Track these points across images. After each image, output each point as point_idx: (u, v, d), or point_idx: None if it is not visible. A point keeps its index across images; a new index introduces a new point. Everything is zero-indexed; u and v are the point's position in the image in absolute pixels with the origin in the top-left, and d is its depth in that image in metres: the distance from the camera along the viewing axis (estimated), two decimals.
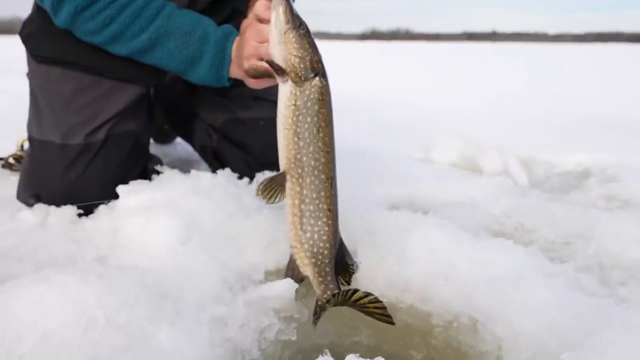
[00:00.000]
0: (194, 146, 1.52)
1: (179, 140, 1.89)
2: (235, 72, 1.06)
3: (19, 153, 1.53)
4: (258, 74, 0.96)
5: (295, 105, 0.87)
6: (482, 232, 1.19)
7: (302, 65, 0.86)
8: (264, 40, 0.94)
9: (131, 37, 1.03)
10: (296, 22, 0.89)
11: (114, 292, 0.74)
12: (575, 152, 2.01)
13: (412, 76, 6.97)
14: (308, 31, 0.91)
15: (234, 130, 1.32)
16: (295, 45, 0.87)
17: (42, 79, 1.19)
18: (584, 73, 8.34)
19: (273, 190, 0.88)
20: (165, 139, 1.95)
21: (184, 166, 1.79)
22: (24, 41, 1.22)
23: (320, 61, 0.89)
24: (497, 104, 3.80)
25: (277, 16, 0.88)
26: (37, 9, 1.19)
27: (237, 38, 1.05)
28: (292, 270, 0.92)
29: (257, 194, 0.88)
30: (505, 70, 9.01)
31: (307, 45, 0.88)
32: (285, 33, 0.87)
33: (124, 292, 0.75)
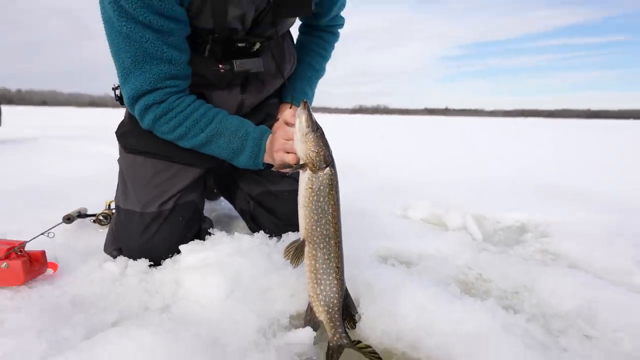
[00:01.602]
0: (235, 207, 1.48)
1: (223, 198, 1.87)
2: (268, 159, 1.05)
3: (107, 211, 1.50)
4: (285, 166, 0.96)
5: (311, 188, 0.87)
6: (452, 282, 1.16)
7: (317, 159, 0.86)
8: (290, 138, 0.94)
9: (193, 136, 1.02)
10: (314, 127, 0.89)
11: (179, 344, 0.71)
12: (513, 211, 1.96)
13: (389, 143, 6.99)
14: (322, 133, 0.91)
15: (266, 199, 1.29)
16: (313, 144, 0.87)
17: (129, 164, 1.19)
18: (515, 141, 8.39)
19: (296, 253, 0.88)
20: (214, 197, 1.95)
21: (227, 220, 1.80)
22: (118, 138, 1.22)
23: (330, 155, 0.89)
24: (452, 170, 3.72)
25: (300, 122, 0.89)
26: (129, 116, 1.19)
27: (270, 136, 1.04)
28: (309, 316, 0.89)
29: (284, 256, 0.87)
30: (455, 139, 9.04)
31: (322, 144, 0.88)
32: (306, 135, 0.88)
33: (186, 343, 0.72)
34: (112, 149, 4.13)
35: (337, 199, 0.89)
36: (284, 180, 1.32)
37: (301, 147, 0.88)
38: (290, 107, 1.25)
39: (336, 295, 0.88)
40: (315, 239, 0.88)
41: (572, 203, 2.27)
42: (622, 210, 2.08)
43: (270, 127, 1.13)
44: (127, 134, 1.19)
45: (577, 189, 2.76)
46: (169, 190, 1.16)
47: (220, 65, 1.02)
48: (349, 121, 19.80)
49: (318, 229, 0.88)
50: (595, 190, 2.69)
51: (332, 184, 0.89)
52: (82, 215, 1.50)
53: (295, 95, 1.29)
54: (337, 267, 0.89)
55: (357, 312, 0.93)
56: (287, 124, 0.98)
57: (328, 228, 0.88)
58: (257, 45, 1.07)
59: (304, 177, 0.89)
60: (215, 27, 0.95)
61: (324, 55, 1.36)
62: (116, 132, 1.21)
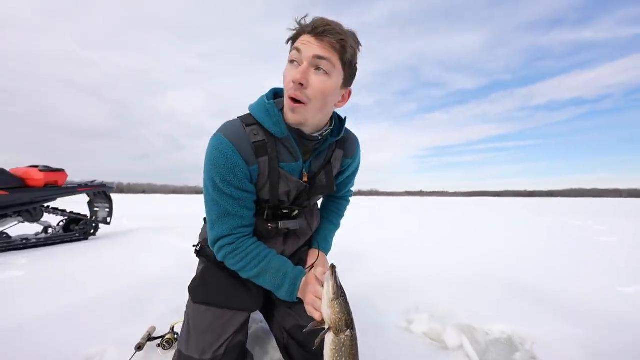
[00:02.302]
0: (272, 332, 1.42)
1: None
2: (301, 296, 1.05)
3: (170, 337, 1.49)
4: (315, 326, 0.93)
5: (335, 349, 0.85)
6: None
7: (340, 324, 0.85)
8: (318, 296, 0.92)
9: (249, 270, 1.08)
10: (339, 293, 0.87)
11: None
12: (498, 322, 1.83)
13: (385, 227, 6.72)
14: (345, 299, 0.87)
15: (297, 333, 1.23)
16: (337, 310, 0.85)
17: (194, 313, 1.20)
18: (493, 223, 7.95)
19: None
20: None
21: (264, 336, 1.68)
22: (189, 291, 1.25)
23: (352, 319, 0.86)
24: (439, 261, 3.42)
25: (328, 287, 0.87)
26: (199, 274, 1.25)
27: (304, 279, 1.05)
28: None
29: None
30: (436, 219, 8.75)
31: (345, 311, 0.86)
32: (331, 301, 0.86)
33: None
34: (185, 242, 4.06)
35: (357, 354, 0.86)
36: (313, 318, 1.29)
37: (327, 311, 0.87)
38: (318, 255, 1.34)
39: None
40: None
41: (547, 310, 2.06)
42: (596, 324, 1.87)
43: (302, 264, 1.25)
44: (196, 288, 1.26)
45: (543, 289, 2.50)
46: (223, 335, 1.15)
47: (270, 225, 1.16)
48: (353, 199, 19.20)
49: None
50: (559, 291, 2.44)
51: (353, 344, 0.86)
52: (151, 338, 1.52)
53: (320, 243, 1.40)
54: None
55: None
56: (317, 280, 0.99)
57: None
58: (296, 212, 1.21)
59: (328, 337, 0.87)
60: (270, 199, 1.10)
61: (340, 214, 1.52)
62: (189, 287, 1.27)
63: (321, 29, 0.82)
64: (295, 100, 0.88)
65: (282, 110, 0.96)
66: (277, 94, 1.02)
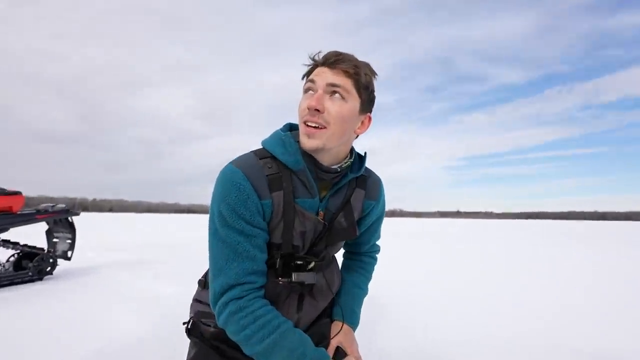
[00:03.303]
0: None
1: None
2: None
3: None
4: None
5: None
6: None
7: None
8: None
9: (255, 342, 0.88)
10: None
11: None
12: None
13: (416, 264, 5.92)
14: None
15: None
16: None
17: None
18: (564, 261, 6.53)
19: None
20: None
21: None
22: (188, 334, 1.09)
23: None
24: (484, 325, 2.76)
25: None
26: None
27: None
28: None
29: None
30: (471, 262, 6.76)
31: None
32: None
33: None
34: (167, 286, 3.49)
35: None
36: None
37: None
38: (342, 327, 1.15)
39: None
40: None
41: None
42: None
43: (325, 347, 1.05)
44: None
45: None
46: None
47: (281, 279, 1.00)
48: None
49: None
50: None
51: None
52: None
53: (344, 313, 1.19)
54: None
55: None
56: None
57: None
58: (312, 264, 1.07)
59: None
60: (283, 243, 0.97)
61: (367, 276, 1.33)
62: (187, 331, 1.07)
63: (333, 59, 0.89)
64: (311, 125, 0.89)
65: (298, 142, 0.96)
66: (292, 128, 1.03)
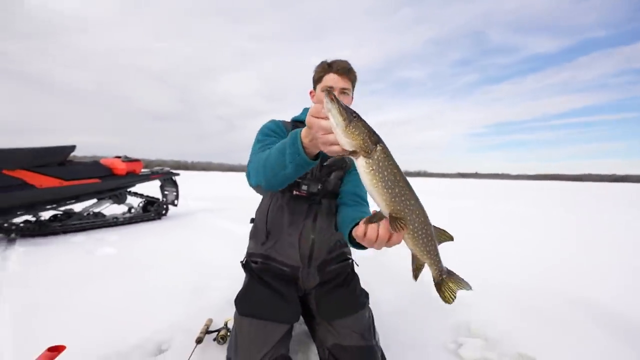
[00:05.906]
0: (314, 341, 1.46)
1: None
2: (307, 140, 0.91)
3: (224, 333, 1.64)
4: (336, 155, 0.80)
5: (372, 169, 0.77)
6: None
7: (365, 144, 0.75)
8: (328, 130, 0.79)
9: (260, 161, 1.13)
10: (350, 116, 0.75)
11: None
12: (572, 357, 1.52)
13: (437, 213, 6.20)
14: (359, 116, 0.77)
15: (338, 352, 1.27)
16: (356, 133, 0.75)
17: (240, 325, 1.31)
18: (569, 218, 6.52)
19: (372, 219, 0.83)
20: None
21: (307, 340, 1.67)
22: (235, 303, 1.38)
23: (374, 133, 0.77)
24: (496, 270, 2.99)
25: (335, 117, 0.74)
26: (244, 287, 1.39)
27: (305, 130, 0.92)
28: (415, 262, 0.88)
29: (364, 222, 0.85)
30: (489, 215, 7.42)
31: (364, 129, 0.75)
32: (346, 128, 0.74)
33: None
34: (239, 227, 4.36)
35: (397, 165, 0.79)
36: (352, 336, 1.30)
37: (346, 140, 0.75)
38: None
39: (430, 239, 0.83)
40: (397, 207, 0.79)
41: (636, 345, 1.64)
42: None
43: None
44: (240, 301, 1.37)
45: (633, 318, 1.96)
46: (265, 345, 1.21)
47: (295, 191, 1.40)
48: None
49: (396, 198, 0.78)
50: None
51: (387, 156, 0.77)
52: (209, 332, 1.68)
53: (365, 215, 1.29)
54: (425, 215, 0.82)
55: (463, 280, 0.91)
56: (317, 118, 0.81)
57: (404, 193, 0.79)
58: (316, 189, 1.43)
59: (360, 163, 0.77)
60: None
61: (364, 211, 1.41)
62: (235, 300, 1.39)
63: (342, 70, 1.38)
64: None
65: None
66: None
